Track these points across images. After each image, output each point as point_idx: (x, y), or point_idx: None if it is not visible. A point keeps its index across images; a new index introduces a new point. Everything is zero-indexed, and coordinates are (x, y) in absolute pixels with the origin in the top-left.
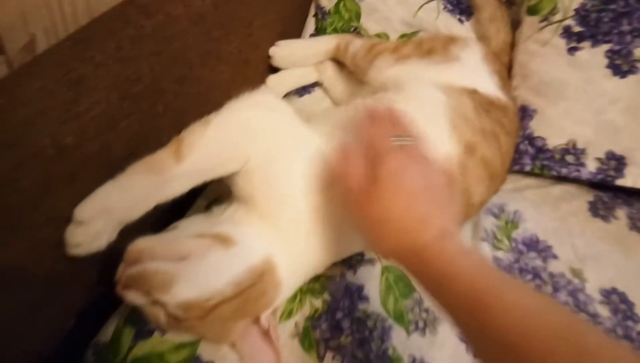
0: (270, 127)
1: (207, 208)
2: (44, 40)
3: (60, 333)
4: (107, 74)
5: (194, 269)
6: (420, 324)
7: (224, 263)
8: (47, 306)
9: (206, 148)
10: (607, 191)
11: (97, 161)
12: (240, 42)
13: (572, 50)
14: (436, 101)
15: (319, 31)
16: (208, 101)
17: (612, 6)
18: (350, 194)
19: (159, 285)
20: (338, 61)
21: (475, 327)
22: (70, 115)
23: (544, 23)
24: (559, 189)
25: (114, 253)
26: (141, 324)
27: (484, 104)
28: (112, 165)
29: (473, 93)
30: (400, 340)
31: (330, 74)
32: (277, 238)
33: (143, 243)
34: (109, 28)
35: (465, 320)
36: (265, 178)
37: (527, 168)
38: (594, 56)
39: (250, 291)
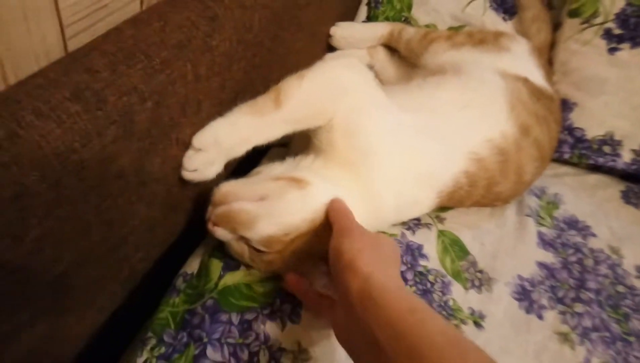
0: (357, 86)
1: None
2: None
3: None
4: (232, 17)
5: (273, 207)
6: (477, 282)
7: (299, 201)
8: (159, 227)
9: (301, 98)
10: (637, 183)
11: (215, 96)
12: (313, 15)
13: (612, 50)
14: (495, 83)
15: (370, 19)
16: (285, 63)
17: None
18: None
19: (243, 223)
20: (389, 47)
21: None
22: (207, 47)
23: (585, 25)
24: (594, 178)
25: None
26: (227, 258)
27: (535, 91)
28: (222, 104)
29: (525, 81)
30: (459, 294)
31: (382, 58)
32: (353, 185)
33: (228, 186)
34: None
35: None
36: (349, 129)
37: (566, 156)
38: (633, 56)
39: (323, 227)
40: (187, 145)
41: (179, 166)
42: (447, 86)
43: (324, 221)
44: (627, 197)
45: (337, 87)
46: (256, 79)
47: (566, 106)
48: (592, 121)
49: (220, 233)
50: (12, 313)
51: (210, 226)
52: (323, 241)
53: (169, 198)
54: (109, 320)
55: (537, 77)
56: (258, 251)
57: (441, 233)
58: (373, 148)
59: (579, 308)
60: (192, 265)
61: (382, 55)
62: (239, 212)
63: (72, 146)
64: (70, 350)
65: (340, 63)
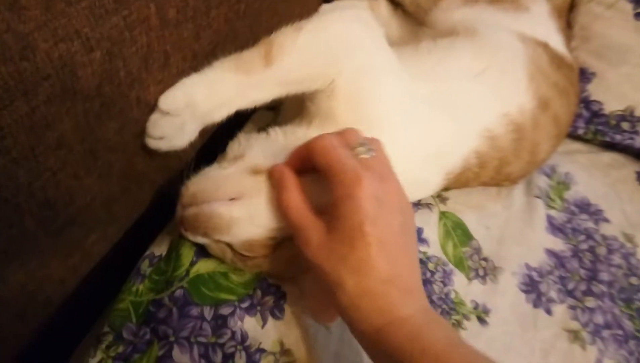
0: (366, 44)
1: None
2: None
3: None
4: None
5: (251, 208)
6: (481, 272)
7: None
8: (117, 204)
9: (298, 55)
10: None
11: (188, 47)
12: None
13: (638, 15)
14: (514, 48)
15: None
16: (277, 12)
17: None
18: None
19: (216, 228)
20: (392, 1)
21: None
22: None
23: None
24: (608, 156)
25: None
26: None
27: (556, 59)
28: (197, 57)
29: (545, 46)
30: (461, 286)
31: (383, 13)
32: None
33: (195, 186)
34: None
35: None
36: (353, 96)
37: (580, 132)
38: None
39: None
40: (151, 107)
41: (141, 132)
42: (459, 51)
43: None
44: None
45: (342, 44)
46: (240, 28)
47: (584, 75)
48: (612, 94)
49: (194, 238)
50: None
51: (182, 229)
52: None
53: (130, 170)
54: (59, 313)
55: (557, 42)
56: (241, 255)
57: (443, 215)
58: (381, 120)
59: (590, 302)
60: (161, 246)
61: (384, 9)
62: (209, 216)
63: None
64: None
65: (347, 15)
